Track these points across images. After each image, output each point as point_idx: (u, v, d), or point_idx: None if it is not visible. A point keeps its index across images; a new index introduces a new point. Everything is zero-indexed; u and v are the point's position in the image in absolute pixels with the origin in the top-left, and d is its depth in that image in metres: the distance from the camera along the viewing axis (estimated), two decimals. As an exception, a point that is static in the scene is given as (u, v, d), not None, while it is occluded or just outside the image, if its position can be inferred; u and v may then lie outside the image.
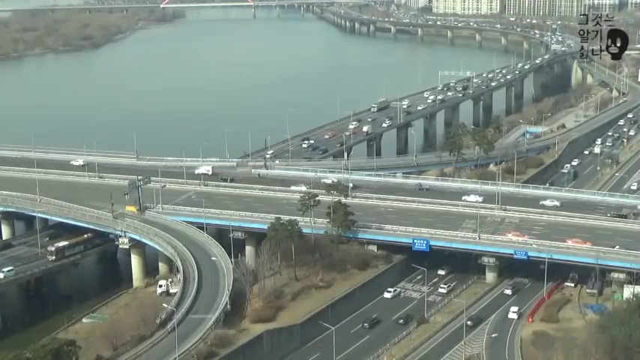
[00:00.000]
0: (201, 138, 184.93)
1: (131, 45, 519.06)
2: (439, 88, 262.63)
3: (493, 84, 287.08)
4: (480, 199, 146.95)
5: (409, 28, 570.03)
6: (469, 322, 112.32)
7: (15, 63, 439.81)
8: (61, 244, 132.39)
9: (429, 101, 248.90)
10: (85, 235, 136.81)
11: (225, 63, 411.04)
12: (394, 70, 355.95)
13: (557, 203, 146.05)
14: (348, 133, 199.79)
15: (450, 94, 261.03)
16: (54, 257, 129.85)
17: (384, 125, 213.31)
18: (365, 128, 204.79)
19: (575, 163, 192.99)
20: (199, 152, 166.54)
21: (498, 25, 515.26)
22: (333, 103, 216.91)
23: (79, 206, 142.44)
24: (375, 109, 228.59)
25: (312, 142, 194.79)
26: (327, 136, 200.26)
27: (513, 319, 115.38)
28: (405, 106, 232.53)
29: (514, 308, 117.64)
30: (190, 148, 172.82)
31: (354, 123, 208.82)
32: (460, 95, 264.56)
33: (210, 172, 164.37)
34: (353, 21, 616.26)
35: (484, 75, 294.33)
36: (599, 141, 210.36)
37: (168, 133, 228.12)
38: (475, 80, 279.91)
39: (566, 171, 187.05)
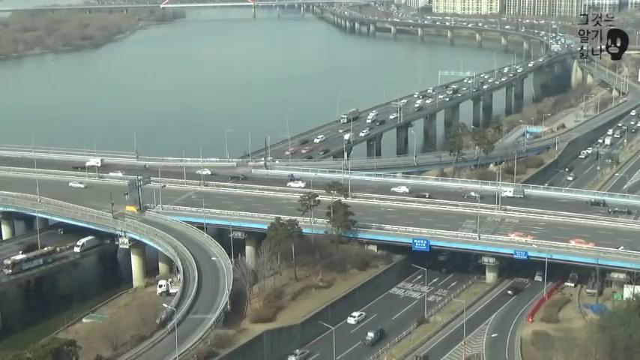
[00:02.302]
0: (201, 138, 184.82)
1: (131, 45, 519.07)
2: (415, 95, 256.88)
3: (485, 87, 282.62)
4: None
5: (409, 28, 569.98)
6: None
7: (15, 63, 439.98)
8: (18, 257, 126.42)
9: (416, 108, 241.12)
10: (46, 249, 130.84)
11: (225, 63, 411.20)
12: (394, 70, 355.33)
13: (406, 190, 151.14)
14: (287, 153, 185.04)
15: (428, 101, 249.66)
16: (10, 271, 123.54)
17: (361, 134, 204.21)
18: (346, 136, 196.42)
19: (589, 151, 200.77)
20: (199, 152, 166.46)
21: (508, 26, 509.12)
22: (333, 103, 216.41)
23: (79, 206, 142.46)
24: (345, 120, 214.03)
25: (270, 158, 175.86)
26: (287, 153, 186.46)
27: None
28: (369, 120, 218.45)
29: (539, 272, 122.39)
30: (190, 148, 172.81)
31: (321, 136, 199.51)
32: (447, 100, 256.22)
33: (99, 164, 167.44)
34: (353, 21, 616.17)
35: (467, 81, 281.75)
36: (610, 132, 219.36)
37: (168, 133, 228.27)
38: (454, 86, 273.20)
39: (583, 157, 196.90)
